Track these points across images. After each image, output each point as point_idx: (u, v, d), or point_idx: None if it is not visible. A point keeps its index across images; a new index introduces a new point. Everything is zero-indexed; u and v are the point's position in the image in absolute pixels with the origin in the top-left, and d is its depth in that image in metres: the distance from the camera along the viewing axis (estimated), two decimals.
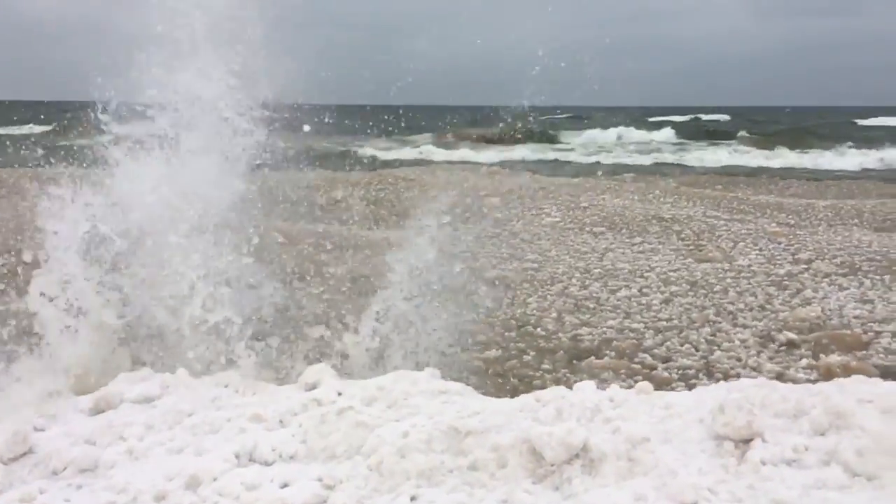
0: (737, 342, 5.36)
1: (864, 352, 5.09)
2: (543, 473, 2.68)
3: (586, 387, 3.08)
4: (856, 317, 5.82)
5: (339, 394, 3.15)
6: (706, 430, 2.71)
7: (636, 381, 3.46)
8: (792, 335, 5.40)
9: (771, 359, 5.05)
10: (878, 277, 7.00)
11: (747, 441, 2.61)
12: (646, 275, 7.14)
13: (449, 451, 2.81)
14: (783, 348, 5.23)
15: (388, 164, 21.08)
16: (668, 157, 28.68)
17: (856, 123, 51.73)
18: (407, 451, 2.79)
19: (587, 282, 6.93)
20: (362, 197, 11.41)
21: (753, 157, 27.69)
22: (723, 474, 2.52)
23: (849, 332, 5.46)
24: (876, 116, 57.87)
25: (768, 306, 6.14)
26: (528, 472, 2.70)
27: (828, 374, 4.53)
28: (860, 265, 7.48)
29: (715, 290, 6.60)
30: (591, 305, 6.23)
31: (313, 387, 3.31)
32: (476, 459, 2.75)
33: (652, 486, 2.52)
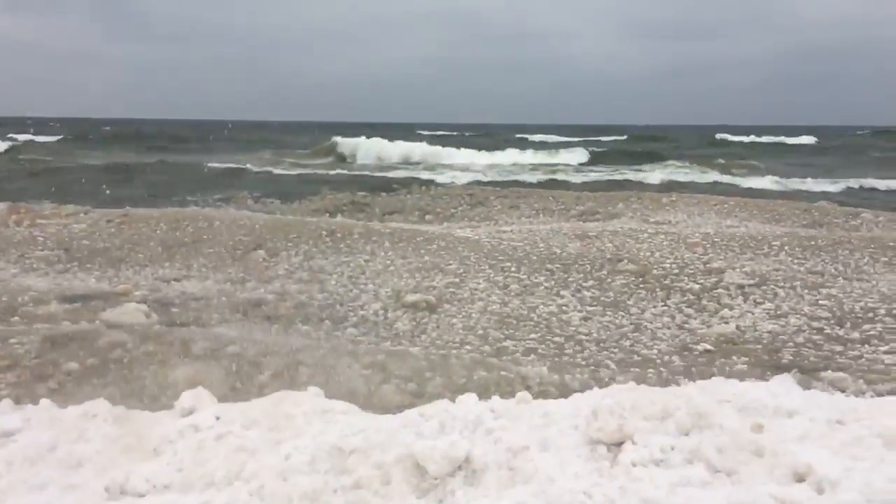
0: (655, 351, 5.61)
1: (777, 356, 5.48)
2: (427, 487, 2.70)
3: (469, 399, 3.13)
4: (769, 332, 6.18)
5: (218, 418, 3.05)
6: (581, 436, 2.81)
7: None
8: (709, 346, 5.71)
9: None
10: (788, 286, 7.52)
11: (619, 444, 2.73)
12: (561, 293, 7.29)
13: (332, 471, 2.78)
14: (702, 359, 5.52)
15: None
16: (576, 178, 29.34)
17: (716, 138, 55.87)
18: (289, 473, 2.74)
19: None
20: None
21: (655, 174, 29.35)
22: (597, 477, 2.62)
23: (760, 345, 5.82)
24: (747, 135, 62.75)
25: (686, 326, 6.44)
26: (412, 486, 2.71)
27: None
28: (769, 274, 7.99)
29: (632, 310, 6.84)
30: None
31: (190, 412, 3.18)
32: (360, 478, 2.73)
33: (531, 493, 2.58)
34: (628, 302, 7.05)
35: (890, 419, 2.58)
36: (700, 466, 2.58)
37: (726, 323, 6.37)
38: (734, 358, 5.39)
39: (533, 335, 6.01)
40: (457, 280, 7.61)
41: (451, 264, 8.18)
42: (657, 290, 7.41)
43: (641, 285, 7.53)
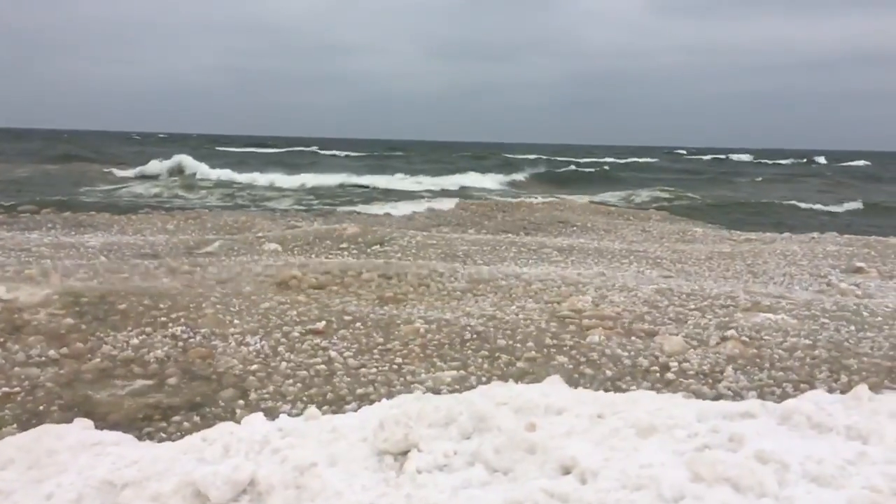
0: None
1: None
2: None
3: (255, 419, 3.05)
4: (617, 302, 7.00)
5: None
6: (369, 448, 2.84)
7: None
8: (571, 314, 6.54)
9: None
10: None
11: (405, 453, 2.79)
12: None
13: None
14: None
15: None
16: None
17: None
18: None
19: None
20: None
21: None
22: (384, 488, 2.66)
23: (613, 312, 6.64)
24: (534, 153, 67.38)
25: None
26: None
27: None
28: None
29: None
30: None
31: None
32: None
33: None
34: None
35: (641, 411, 2.87)
36: (480, 468, 2.70)
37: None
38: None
39: None
40: None
41: None
42: None
43: None
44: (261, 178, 31.73)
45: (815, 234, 14.42)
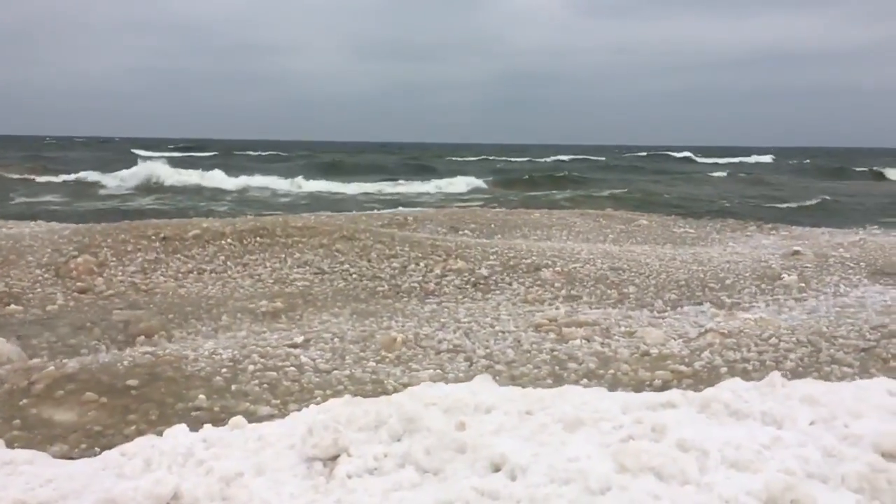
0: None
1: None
2: None
3: (178, 431, 2.96)
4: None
5: None
6: (297, 455, 2.79)
7: None
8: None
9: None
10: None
11: (335, 458, 2.76)
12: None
13: None
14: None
15: None
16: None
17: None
18: None
19: None
20: None
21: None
22: (313, 494, 2.62)
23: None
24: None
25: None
26: None
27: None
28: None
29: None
30: None
31: None
32: None
33: None
34: None
35: (568, 406, 2.91)
36: (410, 469, 2.69)
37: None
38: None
39: None
40: None
41: None
42: None
43: None
44: (202, 182, 31.44)
45: (754, 227, 15.33)
